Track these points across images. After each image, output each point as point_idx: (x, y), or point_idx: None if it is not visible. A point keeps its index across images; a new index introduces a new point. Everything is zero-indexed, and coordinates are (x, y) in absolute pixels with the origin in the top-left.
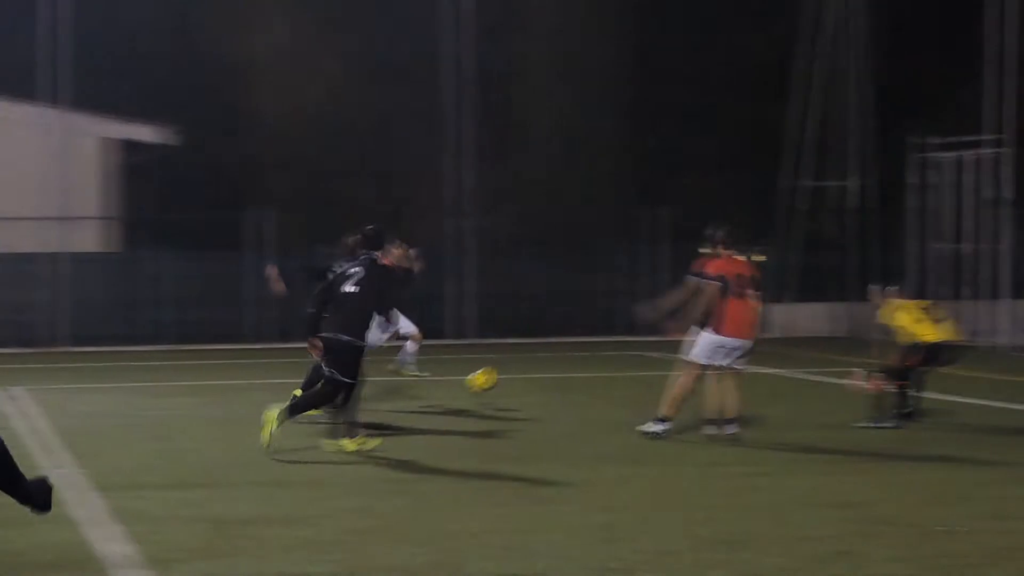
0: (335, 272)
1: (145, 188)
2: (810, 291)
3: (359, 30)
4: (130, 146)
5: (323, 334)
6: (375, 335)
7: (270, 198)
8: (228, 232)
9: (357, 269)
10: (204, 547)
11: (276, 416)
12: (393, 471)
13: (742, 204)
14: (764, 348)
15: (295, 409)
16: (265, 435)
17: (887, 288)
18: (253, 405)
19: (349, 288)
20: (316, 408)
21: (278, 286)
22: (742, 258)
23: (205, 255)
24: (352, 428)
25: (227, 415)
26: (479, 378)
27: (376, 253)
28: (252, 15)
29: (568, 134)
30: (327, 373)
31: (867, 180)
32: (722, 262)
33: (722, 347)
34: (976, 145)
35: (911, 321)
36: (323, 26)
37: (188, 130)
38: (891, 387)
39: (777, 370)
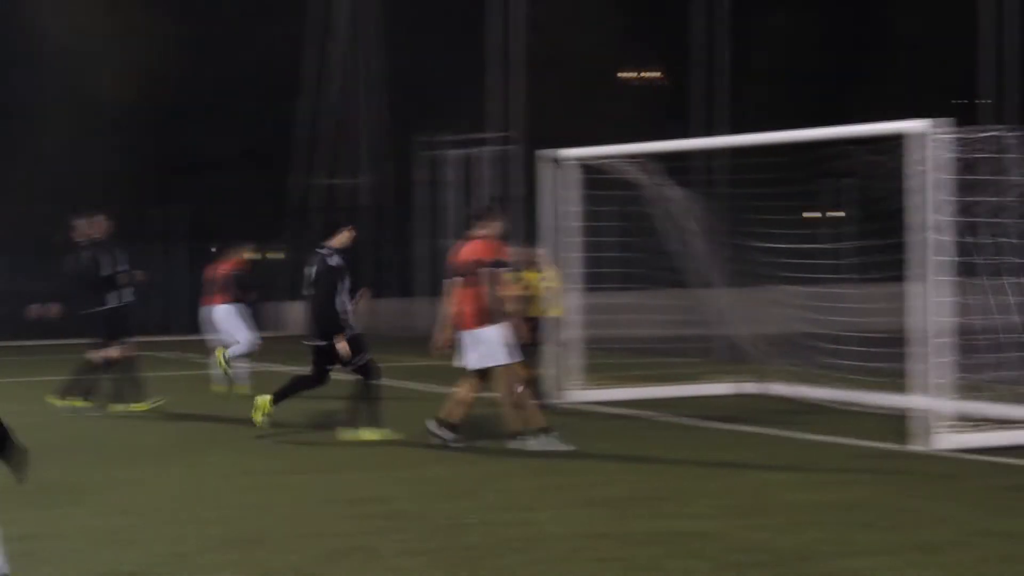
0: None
1: None
2: None
3: None
4: None
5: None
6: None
7: None
8: None
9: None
10: None
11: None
12: None
13: (259, 202)
14: (280, 346)
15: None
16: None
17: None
18: None
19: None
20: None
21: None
22: (485, 241)
23: None
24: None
25: None
26: None
27: (327, 247)
28: None
29: (78, 131)
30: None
31: (379, 177)
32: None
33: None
34: (485, 143)
35: (538, 287)
36: None
37: None
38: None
39: (292, 368)
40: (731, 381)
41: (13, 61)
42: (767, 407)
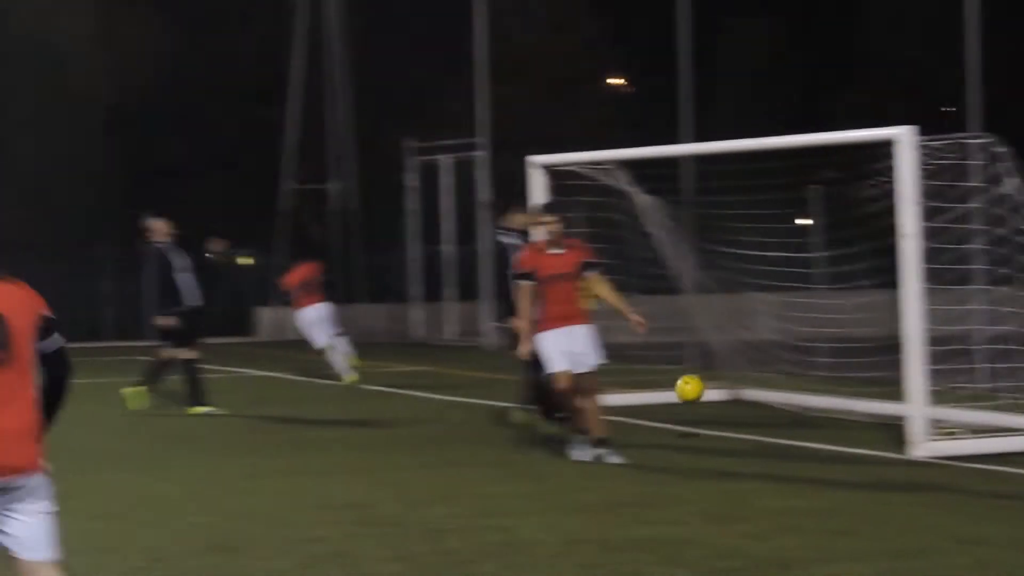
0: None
1: None
2: None
3: None
4: None
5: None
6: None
7: None
8: None
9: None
10: None
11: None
12: None
13: (234, 207)
14: (255, 351)
15: (547, 413)
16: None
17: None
18: None
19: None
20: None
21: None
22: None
23: None
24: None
25: None
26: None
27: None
28: None
29: (50, 137)
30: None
31: (354, 182)
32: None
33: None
34: (462, 148)
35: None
36: None
37: None
38: None
39: (267, 372)
40: (707, 388)
41: None
42: (743, 414)
